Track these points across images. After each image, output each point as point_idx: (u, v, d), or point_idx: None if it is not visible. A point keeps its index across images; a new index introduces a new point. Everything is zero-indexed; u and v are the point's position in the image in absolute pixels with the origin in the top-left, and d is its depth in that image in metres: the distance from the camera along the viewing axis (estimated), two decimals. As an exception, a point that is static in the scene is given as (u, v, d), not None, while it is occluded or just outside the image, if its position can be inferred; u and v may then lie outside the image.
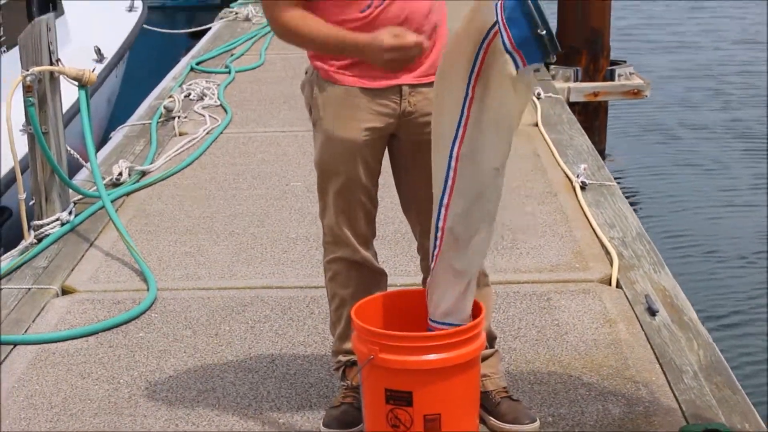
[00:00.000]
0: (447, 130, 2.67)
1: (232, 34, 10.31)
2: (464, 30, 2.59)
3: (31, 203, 4.98)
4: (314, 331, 3.84)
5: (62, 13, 8.58)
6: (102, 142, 7.13)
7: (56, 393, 3.45)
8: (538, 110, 6.84)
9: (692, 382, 3.38)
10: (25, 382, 3.52)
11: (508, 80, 2.56)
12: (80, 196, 5.26)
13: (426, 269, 3.02)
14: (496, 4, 2.51)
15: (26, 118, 4.86)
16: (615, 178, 5.67)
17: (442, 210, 2.73)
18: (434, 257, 2.78)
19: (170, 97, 7.11)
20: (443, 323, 2.80)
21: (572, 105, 8.32)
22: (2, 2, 7.16)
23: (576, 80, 8.92)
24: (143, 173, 5.80)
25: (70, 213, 4.99)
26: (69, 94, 5.22)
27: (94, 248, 4.74)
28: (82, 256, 4.65)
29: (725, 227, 7.72)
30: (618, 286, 4.18)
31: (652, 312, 3.88)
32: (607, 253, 4.48)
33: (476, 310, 2.84)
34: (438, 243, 2.76)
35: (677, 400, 3.27)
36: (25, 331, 3.91)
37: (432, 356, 2.69)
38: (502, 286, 4.13)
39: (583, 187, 5.35)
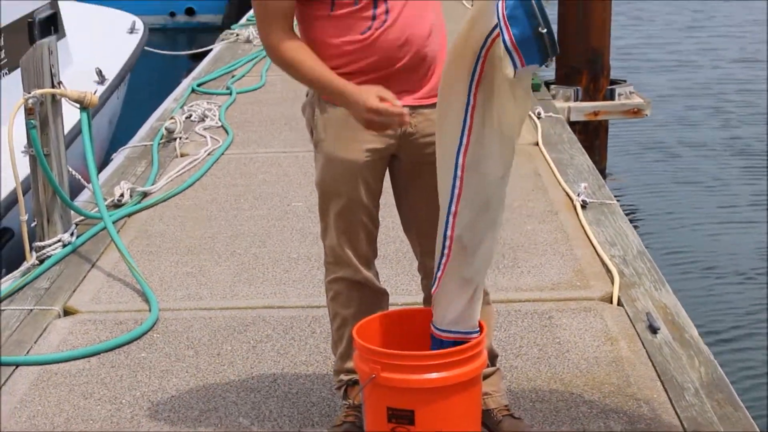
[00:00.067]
0: (451, 140, 2.68)
1: (233, 56, 10.36)
2: (463, 38, 2.60)
3: (32, 224, 4.99)
4: (316, 350, 3.84)
5: (64, 35, 8.63)
6: (104, 163, 7.15)
7: (58, 414, 3.45)
8: (538, 130, 6.86)
9: (694, 399, 3.38)
10: (27, 403, 3.52)
11: (507, 87, 2.57)
12: (82, 218, 5.28)
13: (427, 288, 3.03)
14: (498, 3, 2.51)
15: (28, 140, 4.87)
16: (615, 197, 5.69)
17: (450, 218, 2.73)
18: (442, 266, 2.78)
19: (171, 118, 7.13)
20: (451, 331, 2.80)
21: (573, 124, 8.34)
22: (4, 24, 7.19)
23: (576, 100, 8.95)
24: (145, 194, 5.81)
25: (71, 234, 5.00)
26: (71, 114, 5.24)
27: (95, 269, 4.75)
28: (84, 277, 4.66)
29: (725, 244, 7.73)
30: (619, 304, 4.19)
31: (654, 330, 3.89)
32: (608, 271, 4.49)
33: (478, 329, 2.85)
34: (446, 252, 2.76)
35: (679, 417, 3.28)
36: (27, 352, 3.91)
37: (434, 375, 2.70)
38: (503, 304, 4.14)
39: (584, 205, 5.36)
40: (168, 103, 8.31)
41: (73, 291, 4.49)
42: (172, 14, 19.47)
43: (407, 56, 2.85)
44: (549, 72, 9.54)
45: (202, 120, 7.49)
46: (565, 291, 4.34)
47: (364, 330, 2.86)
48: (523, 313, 4.11)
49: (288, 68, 2.86)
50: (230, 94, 8.44)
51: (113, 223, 5.03)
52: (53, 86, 4.91)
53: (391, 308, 3.16)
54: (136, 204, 5.65)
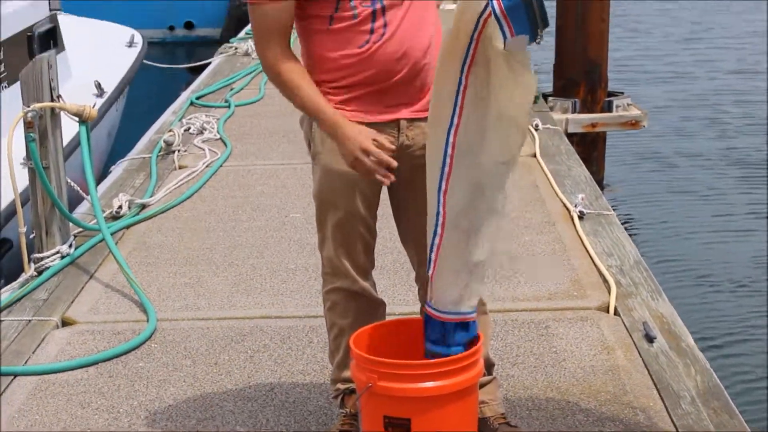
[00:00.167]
0: (443, 119, 2.67)
1: (231, 69, 10.38)
2: (456, 21, 2.61)
3: (31, 236, 5.00)
4: (313, 360, 3.85)
5: (63, 49, 8.67)
6: (102, 175, 7.17)
7: (56, 423, 3.46)
8: (536, 141, 6.89)
9: (690, 408, 3.39)
10: (26, 413, 3.53)
11: (504, 66, 2.57)
12: (80, 229, 5.29)
13: (424, 298, 3.04)
14: None
15: (27, 153, 4.89)
16: (612, 207, 5.71)
17: (441, 196, 2.72)
18: (436, 247, 2.77)
19: (170, 131, 7.15)
20: (452, 312, 2.79)
21: (570, 136, 8.36)
22: (3, 38, 7.23)
23: (574, 111, 8.98)
24: (143, 206, 5.83)
25: (70, 246, 5.02)
26: (70, 126, 5.26)
27: (94, 280, 4.76)
28: (82, 288, 4.67)
29: (721, 253, 7.76)
30: (616, 313, 4.20)
31: (650, 339, 3.90)
32: (605, 281, 4.50)
33: (474, 338, 2.86)
34: (439, 231, 2.75)
35: (675, 425, 3.29)
36: (26, 362, 3.92)
37: (430, 383, 2.70)
38: (500, 314, 4.15)
39: (581, 216, 5.38)
40: (167, 116, 8.33)
41: (72, 302, 4.50)
42: (171, 28, 19.51)
43: (405, 69, 2.87)
44: (546, 84, 9.57)
45: (201, 132, 7.51)
46: (562, 301, 4.35)
47: (361, 339, 2.87)
48: (520, 323, 4.13)
49: (283, 89, 2.88)
50: (229, 106, 8.47)
51: (111, 234, 5.04)
52: (52, 100, 4.93)
53: (388, 318, 3.17)
54: (134, 216, 5.66)
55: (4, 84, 7.05)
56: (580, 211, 5.40)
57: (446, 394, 2.72)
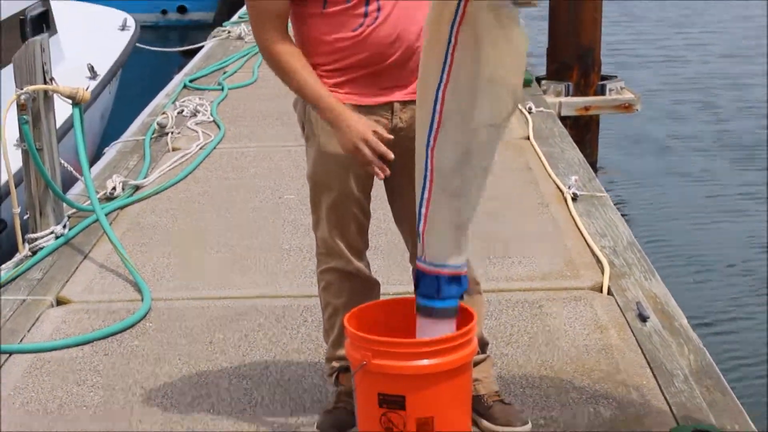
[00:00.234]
0: (433, 77, 2.66)
1: (224, 52, 10.37)
2: None
3: (25, 217, 5.01)
4: (308, 338, 3.87)
5: (55, 32, 8.66)
6: (96, 157, 7.16)
7: (52, 400, 3.47)
8: (529, 124, 6.90)
9: (683, 386, 3.41)
10: (21, 390, 3.55)
11: (494, 26, 2.56)
12: (74, 210, 5.29)
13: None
14: None
15: (20, 135, 4.89)
16: (606, 189, 5.72)
17: (429, 151, 2.71)
18: (425, 202, 2.76)
19: (163, 113, 7.15)
20: (445, 265, 2.78)
21: (564, 119, 8.37)
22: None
23: (567, 95, 8.99)
24: (137, 187, 5.83)
25: (64, 226, 5.02)
26: (63, 108, 5.26)
27: (88, 260, 4.76)
28: (77, 268, 4.67)
29: (713, 234, 7.80)
30: (609, 293, 4.22)
31: (643, 318, 3.92)
32: (598, 261, 4.52)
33: (468, 317, 2.87)
34: (428, 185, 2.74)
35: (668, 402, 3.31)
36: (21, 341, 3.93)
37: (425, 361, 2.71)
38: (494, 294, 4.17)
39: (575, 198, 5.39)
40: (160, 98, 8.32)
41: (66, 281, 4.51)
42: (164, 12, 19.47)
43: (398, 52, 2.88)
44: (540, 67, 9.57)
45: (194, 115, 7.50)
46: (556, 281, 4.37)
47: (355, 318, 2.88)
48: (513, 302, 4.14)
49: (279, 72, 2.89)
50: (222, 89, 8.46)
51: (105, 215, 5.04)
52: (45, 83, 4.93)
53: (382, 298, 3.19)
54: (128, 197, 5.66)
55: (-2, 67, 7.04)
56: (573, 193, 5.41)
57: (440, 372, 2.73)
